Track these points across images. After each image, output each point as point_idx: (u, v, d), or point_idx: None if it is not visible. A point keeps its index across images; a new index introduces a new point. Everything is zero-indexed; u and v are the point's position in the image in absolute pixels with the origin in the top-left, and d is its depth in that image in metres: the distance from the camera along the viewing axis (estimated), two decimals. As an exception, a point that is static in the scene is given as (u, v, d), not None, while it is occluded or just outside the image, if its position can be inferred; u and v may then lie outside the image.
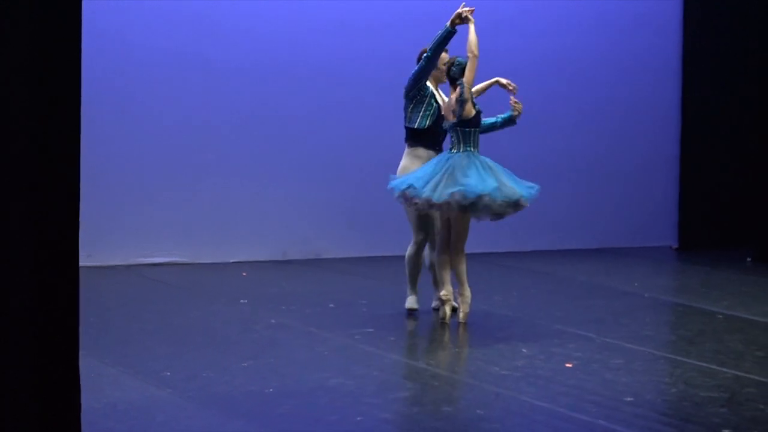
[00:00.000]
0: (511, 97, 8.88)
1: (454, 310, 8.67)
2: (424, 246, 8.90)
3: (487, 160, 8.48)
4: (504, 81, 8.86)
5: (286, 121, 11.33)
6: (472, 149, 8.46)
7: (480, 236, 10.95)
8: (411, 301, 8.96)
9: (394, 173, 8.76)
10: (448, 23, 8.54)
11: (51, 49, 4.61)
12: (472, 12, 8.49)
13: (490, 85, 8.89)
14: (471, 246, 10.96)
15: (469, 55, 8.40)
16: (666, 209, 12.57)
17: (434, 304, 8.99)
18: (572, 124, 12.18)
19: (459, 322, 8.50)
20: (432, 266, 8.95)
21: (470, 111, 8.46)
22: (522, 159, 11.29)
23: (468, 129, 8.46)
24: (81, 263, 4.87)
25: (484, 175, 8.32)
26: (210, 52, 11.05)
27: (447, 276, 8.58)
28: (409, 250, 8.91)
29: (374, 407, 6.44)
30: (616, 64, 12.29)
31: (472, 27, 8.45)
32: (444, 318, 8.56)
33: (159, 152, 10.97)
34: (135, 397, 6.56)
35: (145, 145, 10.93)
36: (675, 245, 12.54)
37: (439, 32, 8.58)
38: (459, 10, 8.49)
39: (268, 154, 11.30)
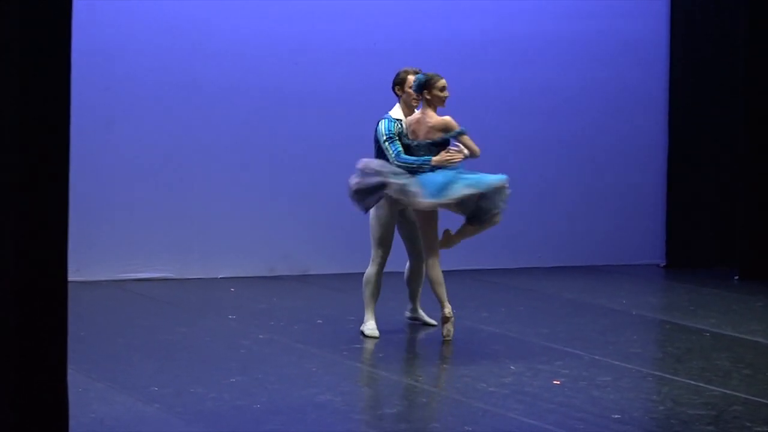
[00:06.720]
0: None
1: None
2: (384, 266, 8.68)
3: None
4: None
5: (273, 138, 11.32)
6: None
7: (467, 253, 10.96)
8: (371, 328, 8.65)
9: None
10: (433, 161, 8.29)
11: (40, 68, 4.62)
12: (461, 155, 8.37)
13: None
14: (459, 263, 11.04)
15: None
16: (654, 227, 12.58)
17: (408, 314, 9.04)
18: (560, 143, 12.20)
19: (445, 339, 8.50)
20: (409, 280, 8.90)
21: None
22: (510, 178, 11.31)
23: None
24: (69, 278, 4.88)
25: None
26: (198, 68, 11.05)
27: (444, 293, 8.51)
28: (369, 270, 8.68)
29: (362, 424, 6.44)
30: (603, 89, 12.33)
31: (465, 146, 8.40)
32: (447, 336, 8.50)
33: (147, 168, 10.97)
34: (122, 412, 6.55)
35: (132, 161, 10.93)
36: (663, 263, 12.55)
37: (418, 160, 8.34)
38: (449, 158, 8.32)
39: (256, 169, 11.30)
